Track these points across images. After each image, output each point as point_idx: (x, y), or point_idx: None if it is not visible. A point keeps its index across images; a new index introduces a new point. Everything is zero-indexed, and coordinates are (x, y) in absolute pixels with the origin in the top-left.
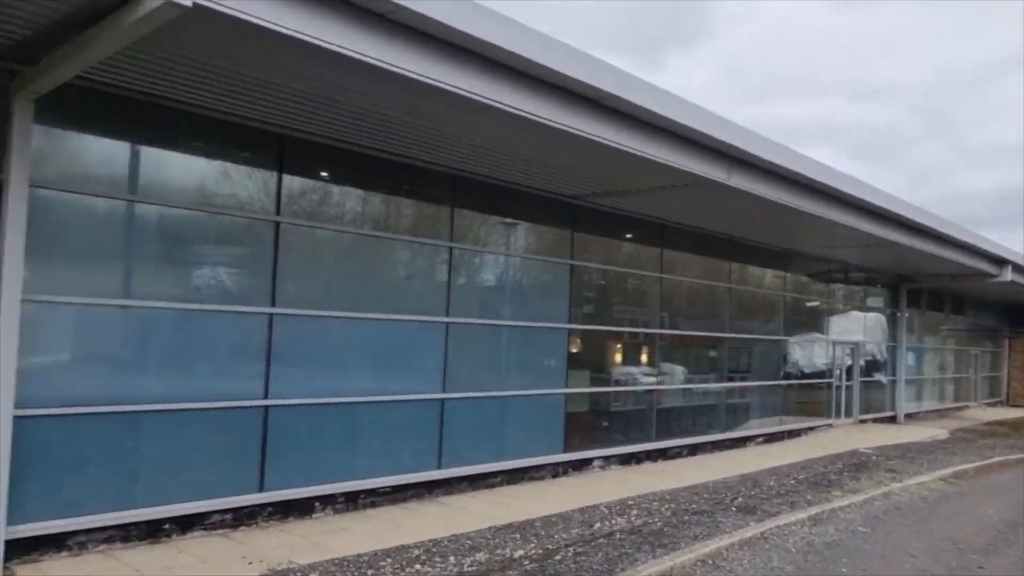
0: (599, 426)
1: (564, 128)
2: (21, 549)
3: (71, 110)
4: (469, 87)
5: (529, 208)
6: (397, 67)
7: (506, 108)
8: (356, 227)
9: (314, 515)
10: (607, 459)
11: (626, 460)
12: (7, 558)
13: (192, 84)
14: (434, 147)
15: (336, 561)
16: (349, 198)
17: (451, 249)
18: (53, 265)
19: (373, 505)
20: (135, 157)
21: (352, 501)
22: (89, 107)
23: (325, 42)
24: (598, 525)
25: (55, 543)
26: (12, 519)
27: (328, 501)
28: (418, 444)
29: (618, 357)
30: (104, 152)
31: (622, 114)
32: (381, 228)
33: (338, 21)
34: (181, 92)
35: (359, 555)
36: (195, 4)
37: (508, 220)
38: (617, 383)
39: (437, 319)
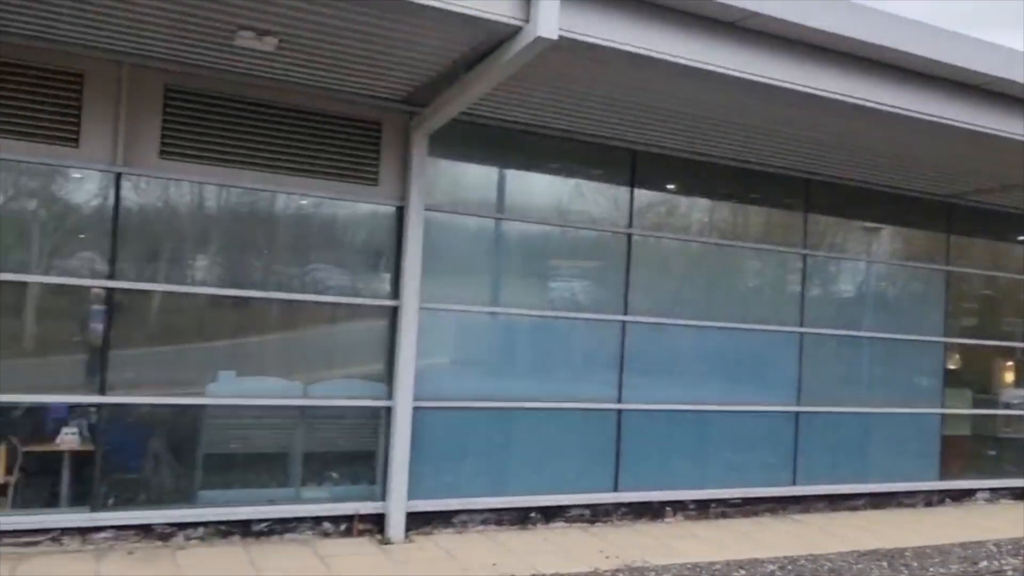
0: (984, 454)
1: (943, 121)
2: (418, 521)
3: (451, 142)
4: (831, 88)
5: (893, 210)
6: (751, 74)
7: (873, 105)
8: (704, 236)
9: (665, 519)
10: (995, 492)
11: (1021, 495)
12: (408, 528)
13: (550, 109)
14: (787, 152)
15: (688, 566)
16: (697, 208)
17: (804, 256)
18: (436, 277)
19: (724, 516)
20: (501, 179)
21: (703, 509)
22: (464, 137)
23: (677, 57)
24: (984, 563)
25: (443, 519)
26: (410, 495)
27: (679, 507)
28: (770, 458)
29: (1009, 376)
30: (475, 176)
31: (1012, 98)
32: (729, 236)
33: (690, 35)
34: (540, 117)
35: (711, 563)
36: (561, 37)
37: (868, 224)
38: (1008, 406)
39: (790, 329)
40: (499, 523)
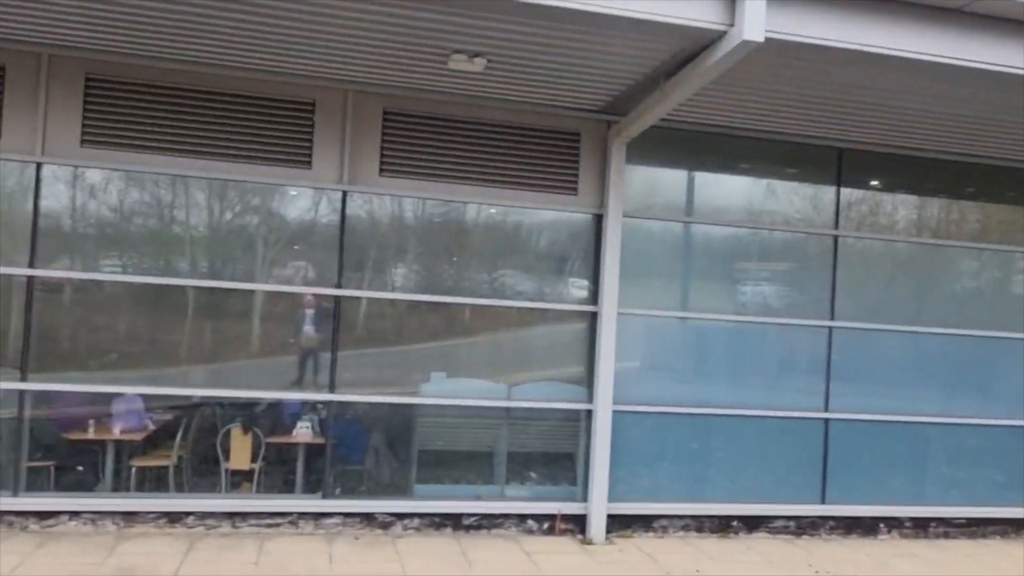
0: None
1: None
2: (618, 524)
3: (647, 148)
4: None
5: None
6: (979, 63)
7: None
8: (919, 236)
9: (878, 536)
10: None
11: None
12: (608, 529)
13: (751, 111)
14: (1017, 143)
15: None
16: (910, 206)
17: None
18: (633, 282)
19: (946, 535)
20: (698, 184)
21: (921, 528)
22: (660, 143)
23: (893, 50)
24: None
25: (643, 523)
26: (610, 497)
27: (893, 524)
28: (999, 476)
29: None
30: (672, 182)
31: None
32: (949, 236)
33: (906, 26)
34: (740, 119)
35: None
36: (767, 38)
37: None
38: None
39: (1020, 336)
40: (699, 530)
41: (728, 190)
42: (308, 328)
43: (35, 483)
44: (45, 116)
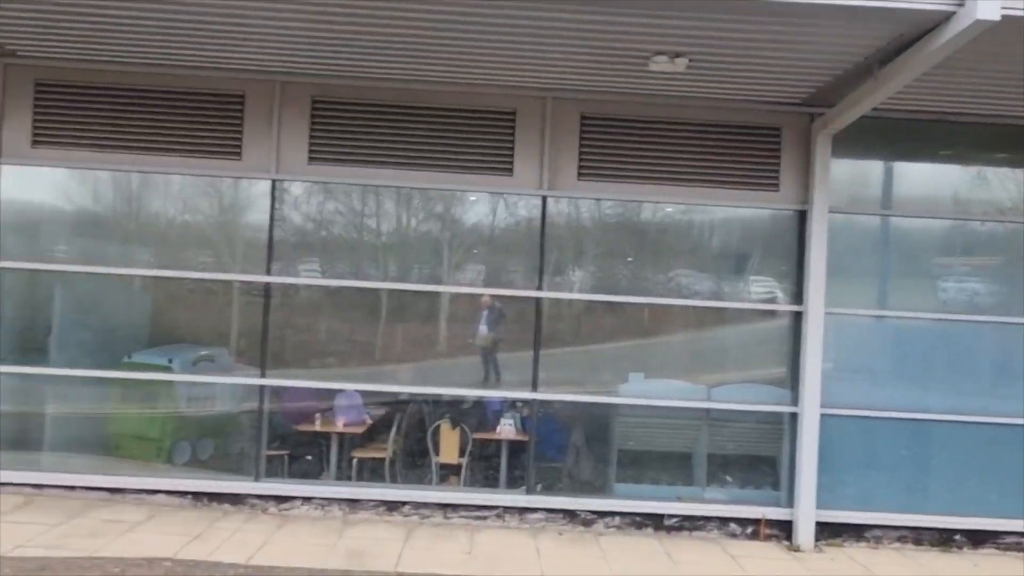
0: None
1: None
2: (826, 532)
3: (852, 139)
4: None
5: None
6: None
7: None
8: None
9: None
10: None
11: None
12: (816, 537)
13: (970, 94)
14: None
15: None
16: None
17: None
18: (838, 280)
19: None
20: (908, 174)
21: None
22: (866, 134)
23: None
24: None
25: (854, 532)
26: (818, 504)
27: None
28: None
29: None
30: (880, 174)
31: None
32: None
33: None
34: (957, 104)
35: None
36: (1003, 16)
37: None
38: None
39: None
40: (917, 542)
41: (942, 180)
42: (527, 329)
43: (272, 470)
44: (278, 137)
